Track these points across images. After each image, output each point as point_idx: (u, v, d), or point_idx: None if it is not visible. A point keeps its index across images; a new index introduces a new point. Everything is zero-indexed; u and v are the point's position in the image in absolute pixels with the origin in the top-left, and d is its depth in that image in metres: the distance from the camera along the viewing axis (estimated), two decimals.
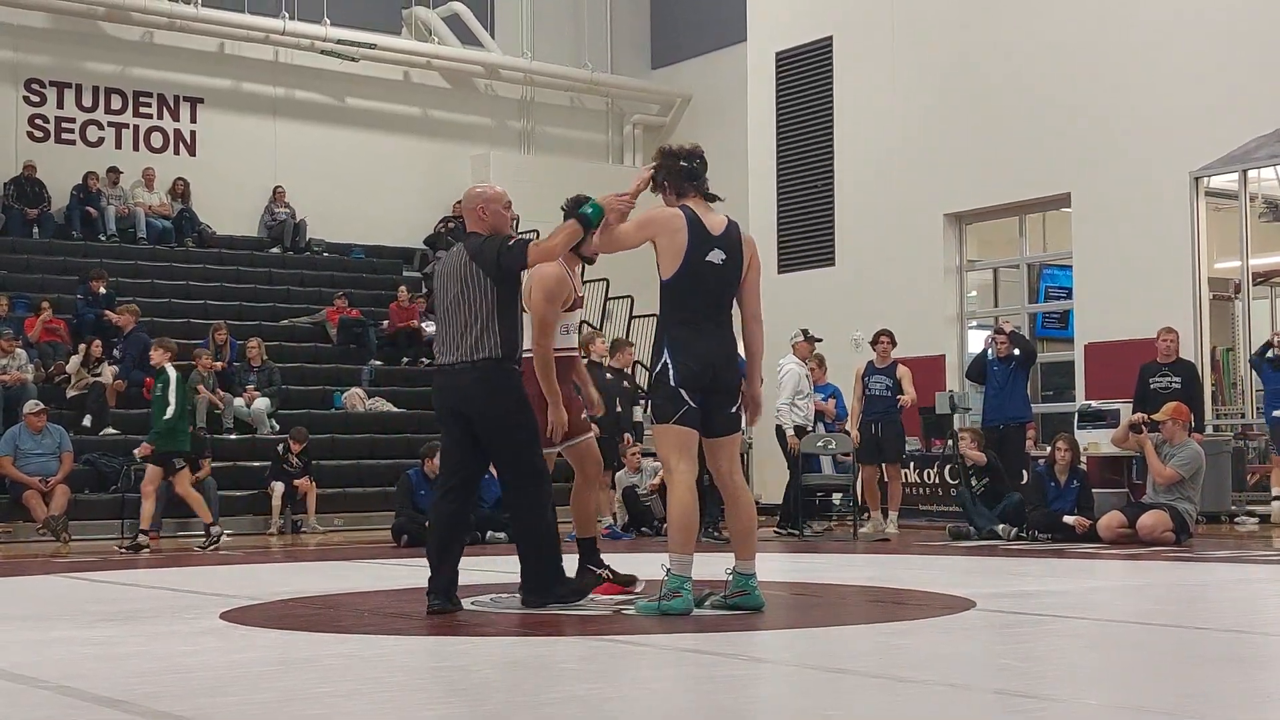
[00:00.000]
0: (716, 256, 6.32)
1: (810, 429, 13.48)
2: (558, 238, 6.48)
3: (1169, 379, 13.35)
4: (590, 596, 6.76)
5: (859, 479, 14.21)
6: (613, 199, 6.51)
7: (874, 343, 13.87)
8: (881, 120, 18.62)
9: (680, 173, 6.50)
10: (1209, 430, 14.97)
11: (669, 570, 6.12)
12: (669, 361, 6.20)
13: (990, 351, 13.88)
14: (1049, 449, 12.66)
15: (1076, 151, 16.32)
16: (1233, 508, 14.22)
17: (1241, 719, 3.73)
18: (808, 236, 19.58)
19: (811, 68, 19.62)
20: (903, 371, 13.63)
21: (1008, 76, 17.19)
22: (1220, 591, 7.78)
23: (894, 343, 13.86)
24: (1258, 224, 15.87)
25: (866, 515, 13.86)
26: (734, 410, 6.34)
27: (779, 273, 19.55)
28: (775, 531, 13.45)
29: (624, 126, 25.15)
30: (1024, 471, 13.35)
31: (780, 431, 13.43)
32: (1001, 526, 12.13)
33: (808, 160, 19.66)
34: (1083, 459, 12.92)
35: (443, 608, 6.40)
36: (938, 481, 15.34)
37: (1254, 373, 14.32)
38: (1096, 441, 14.15)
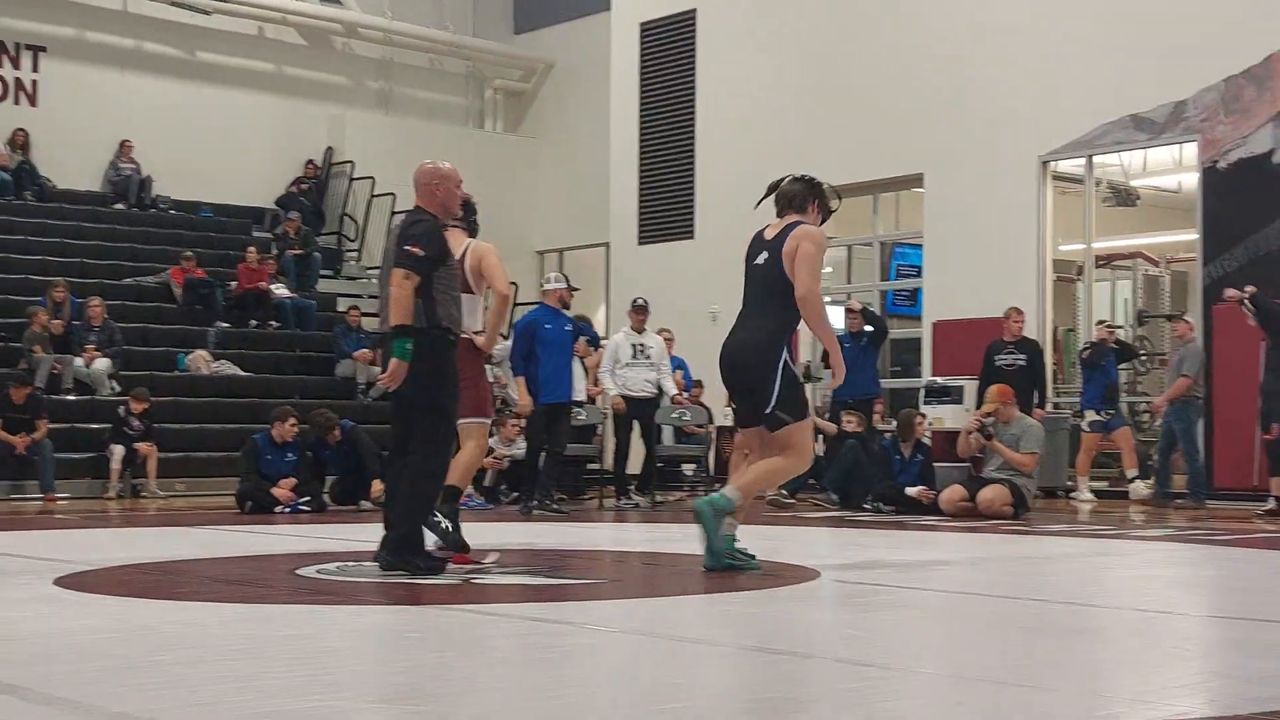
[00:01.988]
0: (761, 258, 6.86)
1: (653, 398, 13.49)
2: (400, 310, 6.40)
3: (1014, 356, 13.68)
4: (444, 565, 6.72)
5: (712, 449, 14.34)
6: None
7: None
8: (742, 95, 18.73)
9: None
10: (1049, 408, 15.38)
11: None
12: None
13: (843, 327, 14.07)
14: (895, 423, 12.92)
15: (930, 133, 16.59)
16: (1069, 483, 14.64)
17: (1073, 688, 3.83)
18: (668, 209, 19.65)
19: (675, 39, 19.65)
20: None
21: (867, 58, 17.39)
22: (1056, 564, 7.99)
23: None
24: (1101, 208, 16.31)
25: (719, 486, 13.94)
26: (752, 405, 6.69)
27: (639, 244, 19.60)
28: (620, 502, 13.51)
29: (485, 91, 24.93)
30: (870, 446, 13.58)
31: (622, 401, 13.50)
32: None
33: (669, 132, 19.71)
34: (927, 434, 13.18)
35: (387, 565, 6.43)
36: None
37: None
38: (941, 417, 14.44)
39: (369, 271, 21.01)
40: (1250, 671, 4.13)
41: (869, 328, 13.80)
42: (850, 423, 13.26)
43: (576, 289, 12.59)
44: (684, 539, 9.36)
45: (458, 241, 8.17)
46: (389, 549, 6.51)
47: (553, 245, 23.66)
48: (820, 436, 13.54)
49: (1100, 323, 14.50)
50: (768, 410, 6.67)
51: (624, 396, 13.30)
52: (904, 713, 3.55)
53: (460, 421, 7.06)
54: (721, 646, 4.71)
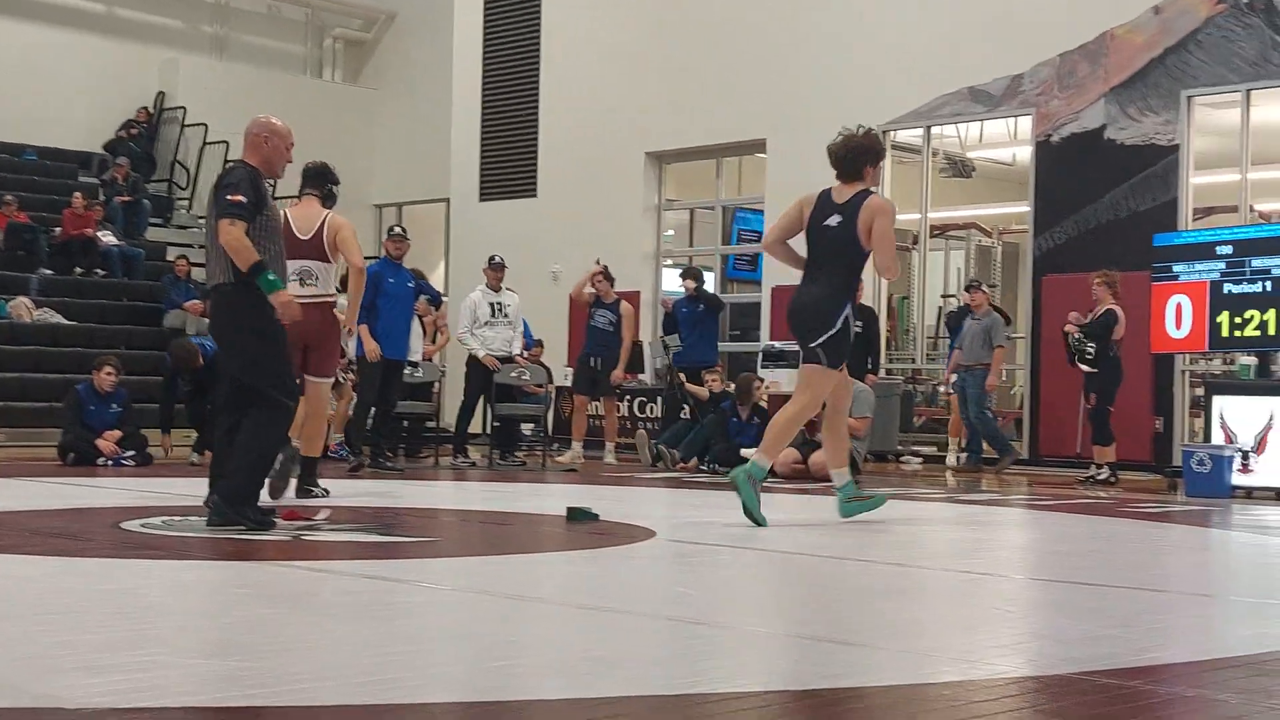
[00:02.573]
0: (834, 220, 7.35)
1: (511, 357, 13.43)
2: (243, 255, 6.36)
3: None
4: (275, 520, 6.61)
5: (551, 409, 14.32)
6: None
7: (598, 279, 13.88)
8: (588, 55, 18.65)
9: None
10: (881, 374, 15.66)
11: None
12: None
13: (682, 294, 14.20)
14: (734, 387, 13.04)
15: (772, 99, 16.71)
16: (899, 448, 14.94)
17: (896, 646, 3.90)
18: (511, 166, 19.51)
19: None
20: (626, 309, 13.76)
21: (711, 21, 17.44)
22: (884, 526, 8.15)
23: (610, 279, 13.92)
24: (938, 178, 16.62)
25: (557, 445, 13.97)
26: (811, 346, 7.36)
27: (481, 200, 19.43)
28: (457, 461, 13.44)
29: (324, 40, 24.44)
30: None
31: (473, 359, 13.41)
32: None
33: (513, 88, 19.56)
34: (764, 398, 13.33)
35: (215, 521, 6.35)
36: (627, 414, 15.58)
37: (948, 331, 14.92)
38: (778, 381, 14.61)
39: (200, 220, 20.49)
40: (1068, 633, 4.25)
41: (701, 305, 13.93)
42: (714, 382, 13.43)
43: (407, 238, 12.41)
44: (521, 497, 9.34)
45: (315, 212, 8.25)
46: (222, 500, 6.39)
47: (391, 199, 23.33)
48: (688, 403, 13.69)
49: (971, 285, 14.62)
50: (812, 344, 7.30)
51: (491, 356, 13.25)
52: (733, 670, 3.57)
53: (308, 379, 7.07)
54: (554, 604, 4.70)
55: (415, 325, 12.79)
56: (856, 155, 7.46)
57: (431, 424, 14.55)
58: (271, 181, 6.92)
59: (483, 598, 4.82)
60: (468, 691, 3.24)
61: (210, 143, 21.13)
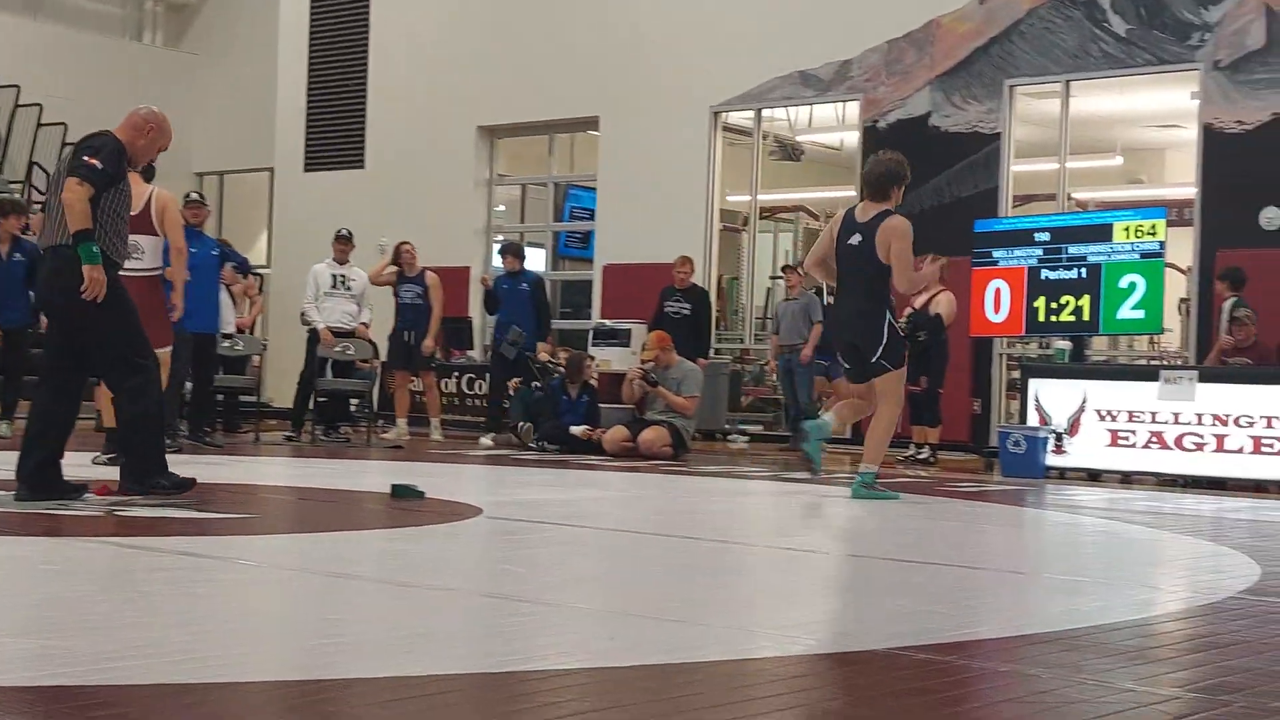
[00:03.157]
0: (855, 240, 8.08)
1: (351, 331, 13.20)
2: (77, 217, 6.23)
3: (680, 305, 13.93)
4: (85, 496, 6.42)
5: (378, 386, 14.13)
6: None
7: (396, 254, 13.66)
8: (419, 26, 18.42)
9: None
10: (711, 354, 15.81)
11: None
12: None
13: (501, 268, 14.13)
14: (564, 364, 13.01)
15: (606, 77, 16.70)
16: (726, 426, 15.08)
17: (721, 623, 3.92)
18: (337, 136, 19.17)
19: None
20: (431, 279, 13.54)
21: None
22: (710, 503, 8.22)
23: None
24: (768, 161, 16.79)
25: (382, 422, 13.80)
26: (859, 360, 8.14)
27: (305, 170, 19.06)
28: (286, 436, 13.21)
29: (144, 2, 23.66)
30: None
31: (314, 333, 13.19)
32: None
33: (342, 58, 19.22)
34: (594, 376, 13.33)
35: (22, 495, 6.24)
36: (455, 391, 15.47)
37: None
38: (609, 359, 14.64)
39: (11, 185, 19.73)
40: (886, 608, 4.32)
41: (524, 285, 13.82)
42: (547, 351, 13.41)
43: (205, 204, 12.09)
44: (345, 475, 9.20)
45: (140, 188, 8.30)
46: (134, 484, 6.45)
47: (212, 168, 22.72)
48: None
49: (786, 267, 14.74)
50: (873, 360, 8.05)
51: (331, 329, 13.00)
52: (556, 647, 3.55)
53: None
54: (374, 582, 4.63)
55: (225, 296, 12.52)
56: (885, 178, 8.15)
57: (251, 398, 14.25)
58: None
59: (302, 575, 4.72)
60: (285, 670, 3.16)
61: (23, 105, 20.33)
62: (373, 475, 9.20)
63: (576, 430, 12.24)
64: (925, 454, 12.39)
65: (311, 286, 13.14)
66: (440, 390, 15.26)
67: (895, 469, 11.63)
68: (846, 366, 8.50)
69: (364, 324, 13.39)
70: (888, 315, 8.10)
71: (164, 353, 8.04)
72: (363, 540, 5.87)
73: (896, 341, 8.16)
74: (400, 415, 13.52)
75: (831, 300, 8.62)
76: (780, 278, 18.58)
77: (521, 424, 13.11)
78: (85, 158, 6.25)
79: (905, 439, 12.90)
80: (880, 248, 7.97)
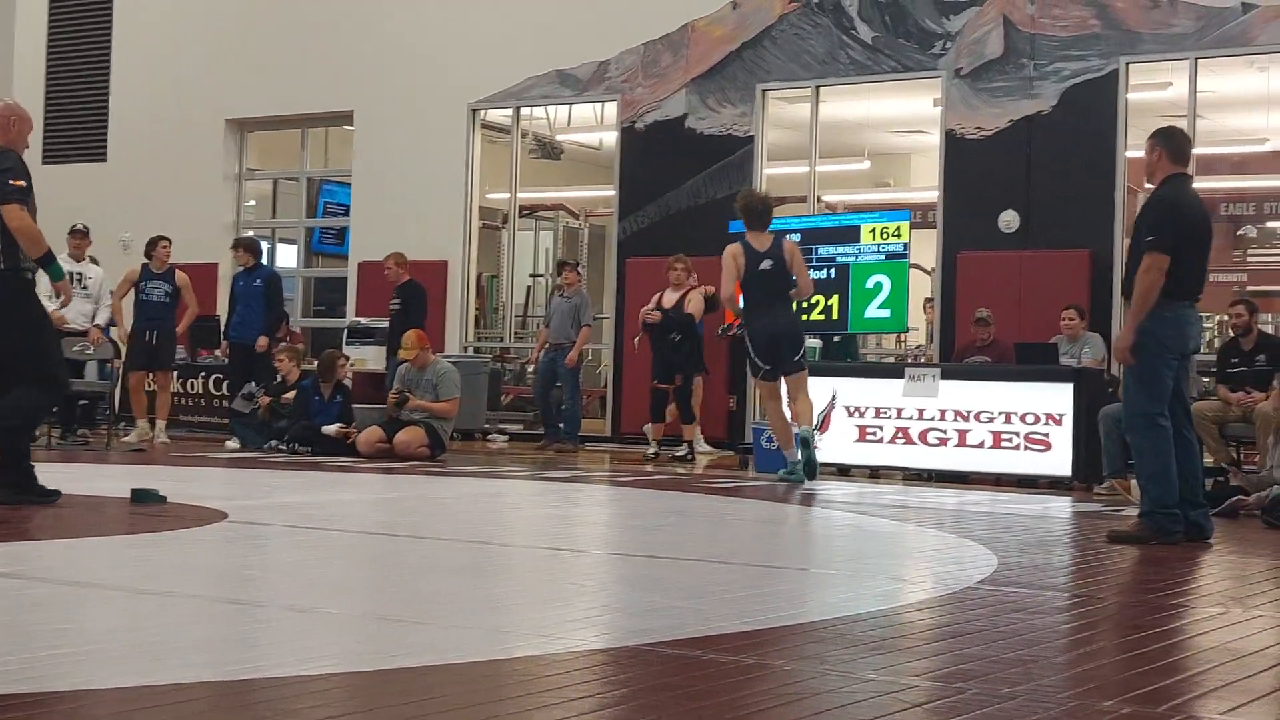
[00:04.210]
0: (767, 265, 9.58)
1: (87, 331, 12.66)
2: (38, 242, 6.56)
3: (394, 301, 13.64)
4: None
5: (119, 387, 13.62)
6: None
7: (151, 247, 13.17)
8: (164, 15, 17.83)
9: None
10: (470, 351, 15.74)
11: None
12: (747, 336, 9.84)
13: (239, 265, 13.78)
14: (315, 363, 12.73)
15: (361, 71, 16.45)
16: (486, 425, 15.01)
17: (473, 623, 3.88)
18: (78, 128, 18.42)
19: None
20: (182, 279, 13.08)
21: None
22: (467, 504, 8.15)
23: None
24: (527, 159, 16.78)
25: (123, 425, 13.28)
26: (792, 361, 9.75)
27: (43, 163, 18.25)
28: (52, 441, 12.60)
29: None
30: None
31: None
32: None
33: (81, 47, 18.48)
34: (348, 375, 13.09)
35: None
36: (202, 392, 15.02)
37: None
38: (364, 358, 14.42)
39: None
40: (639, 605, 4.35)
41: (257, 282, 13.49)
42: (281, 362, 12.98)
43: None
44: (83, 478, 8.82)
45: None
46: (15, 488, 6.48)
47: None
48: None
49: (564, 265, 14.59)
50: (796, 359, 9.70)
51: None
52: (301, 652, 3.46)
53: None
54: (112, 590, 4.44)
55: None
56: (769, 211, 9.82)
57: None
58: None
59: (32, 584, 4.50)
60: (10, 682, 3.00)
61: None
62: (112, 479, 8.84)
63: (329, 430, 11.99)
64: (684, 451, 12.55)
65: (44, 283, 12.54)
66: (185, 391, 14.80)
67: (644, 467, 11.75)
68: (767, 367, 9.70)
69: (98, 325, 12.74)
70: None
71: None
72: (101, 546, 5.63)
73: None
74: (140, 416, 13.03)
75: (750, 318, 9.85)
76: (540, 275, 18.61)
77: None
78: (10, 180, 6.39)
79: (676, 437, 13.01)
80: (790, 265, 9.61)
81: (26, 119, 6.91)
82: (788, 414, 9.82)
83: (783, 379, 9.81)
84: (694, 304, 12.71)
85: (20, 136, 6.82)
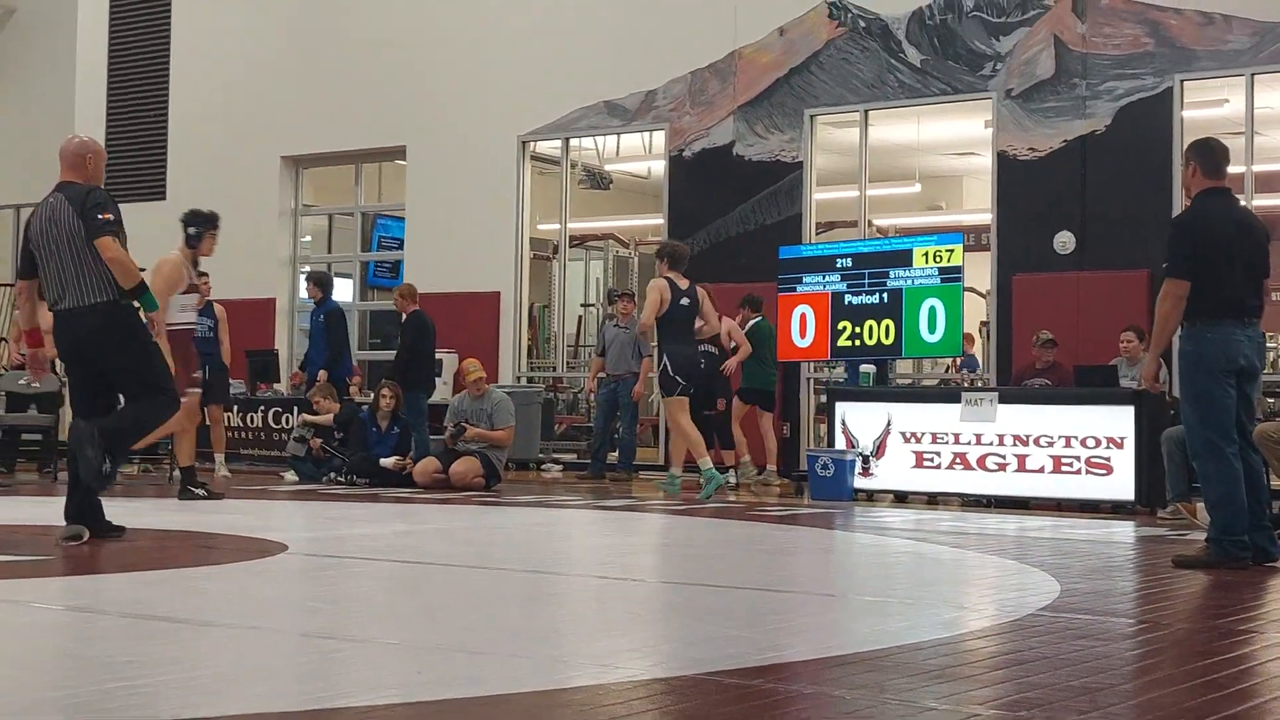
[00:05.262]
0: (686, 300, 11.17)
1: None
2: (132, 273, 6.71)
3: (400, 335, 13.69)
4: None
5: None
6: None
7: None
8: (221, 55, 18.05)
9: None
10: (523, 381, 15.79)
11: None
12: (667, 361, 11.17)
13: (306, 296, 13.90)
14: (373, 396, 12.81)
15: (413, 106, 16.58)
16: (540, 455, 15.04)
17: (531, 652, 3.88)
18: (138, 168, 18.66)
19: None
20: (220, 312, 13.21)
21: (351, 25, 17.17)
22: (522, 534, 8.17)
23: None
24: (577, 190, 16.84)
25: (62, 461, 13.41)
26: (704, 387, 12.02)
27: None
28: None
29: None
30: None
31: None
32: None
33: (141, 89, 18.72)
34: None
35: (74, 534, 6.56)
36: (261, 425, 15.14)
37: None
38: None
39: None
40: (696, 634, 4.33)
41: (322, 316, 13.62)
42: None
43: None
44: (140, 512, 8.89)
45: None
46: (98, 433, 6.51)
47: (9, 201, 21.92)
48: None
49: (616, 295, 14.69)
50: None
51: None
52: (367, 682, 3.47)
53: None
54: (177, 622, 4.47)
55: None
56: (687, 259, 11.51)
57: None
58: None
59: (99, 616, 4.55)
60: (82, 714, 3.03)
61: None
62: (170, 513, 8.92)
63: (387, 462, 12.06)
64: (734, 479, 12.53)
65: None
66: (244, 425, 14.92)
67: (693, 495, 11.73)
68: (685, 384, 11.06)
69: None
70: None
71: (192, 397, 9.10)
72: (165, 580, 5.68)
73: None
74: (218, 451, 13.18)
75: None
76: (591, 305, 18.66)
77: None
78: (99, 215, 6.58)
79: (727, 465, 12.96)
80: (703, 305, 11.35)
81: (102, 154, 7.09)
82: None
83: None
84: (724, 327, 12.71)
85: (98, 171, 6.99)
